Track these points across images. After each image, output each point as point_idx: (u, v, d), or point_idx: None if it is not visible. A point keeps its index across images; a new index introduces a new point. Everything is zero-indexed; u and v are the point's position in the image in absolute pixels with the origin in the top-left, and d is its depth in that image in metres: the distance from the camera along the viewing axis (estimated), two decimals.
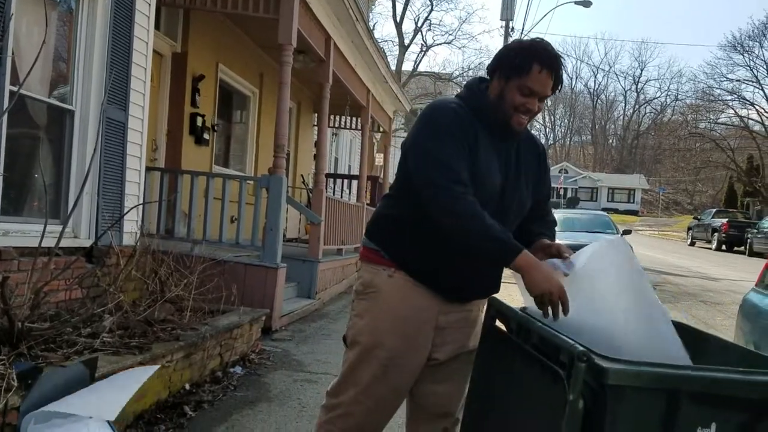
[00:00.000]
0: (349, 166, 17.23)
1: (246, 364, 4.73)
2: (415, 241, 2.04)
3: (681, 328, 2.11)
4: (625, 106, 77.92)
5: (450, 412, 2.18)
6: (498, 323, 1.98)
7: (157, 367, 3.14)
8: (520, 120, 2.00)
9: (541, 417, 1.59)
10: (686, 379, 1.43)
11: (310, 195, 10.77)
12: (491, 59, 2.10)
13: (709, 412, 1.45)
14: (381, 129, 12.99)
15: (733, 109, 41.74)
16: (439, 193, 1.91)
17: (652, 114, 74.32)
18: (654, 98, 76.41)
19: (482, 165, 1.99)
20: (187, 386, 3.86)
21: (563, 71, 2.01)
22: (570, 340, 1.49)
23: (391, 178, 24.98)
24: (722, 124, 43.70)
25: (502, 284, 2.20)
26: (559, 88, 2.02)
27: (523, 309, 1.89)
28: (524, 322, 1.74)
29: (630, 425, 1.43)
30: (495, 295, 2.11)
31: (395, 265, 2.07)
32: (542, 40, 2.05)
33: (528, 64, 1.94)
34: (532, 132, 2.28)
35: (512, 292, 2.04)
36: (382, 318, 2.07)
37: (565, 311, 1.79)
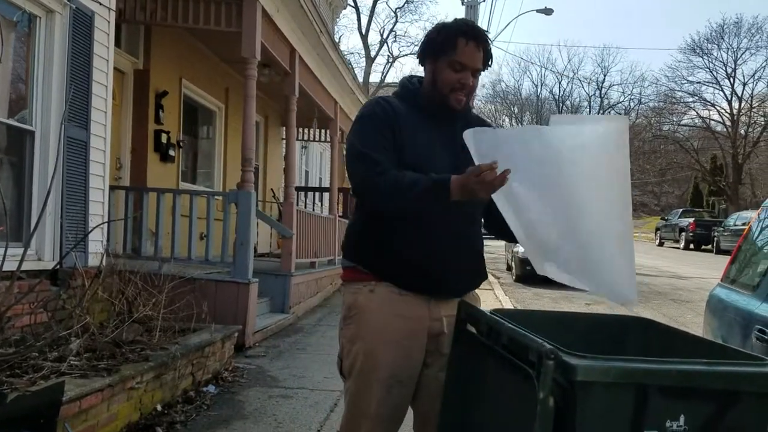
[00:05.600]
0: (320, 179, 17.19)
1: (219, 383, 4.65)
2: (385, 243, 2.02)
3: (651, 325, 2.14)
4: (590, 111, 79.06)
5: None
6: (469, 327, 1.97)
7: None
8: (458, 97, 1.99)
9: (515, 418, 1.59)
10: (653, 372, 1.44)
11: (281, 209, 10.72)
12: (419, 46, 2.09)
13: (677, 404, 1.46)
14: None
15: (695, 110, 42.72)
16: (367, 183, 1.91)
17: None
18: (618, 102, 77.73)
19: (422, 149, 1.99)
20: (159, 407, 3.78)
21: (490, 45, 2.01)
22: (538, 339, 1.49)
23: None
24: (685, 125, 44.70)
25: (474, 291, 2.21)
26: (490, 62, 2.00)
27: (493, 311, 1.89)
28: (493, 324, 1.74)
29: (600, 420, 1.43)
30: (485, 294, 2.10)
31: (374, 277, 2.03)
32: (466, 18, 2.06)
33: (452, 39, 1.96)
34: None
35: (486, 298, 2.04)
36: (373, 337, 2.00)
37: (495, 187, 1.69)
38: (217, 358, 4.77)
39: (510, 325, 1.65)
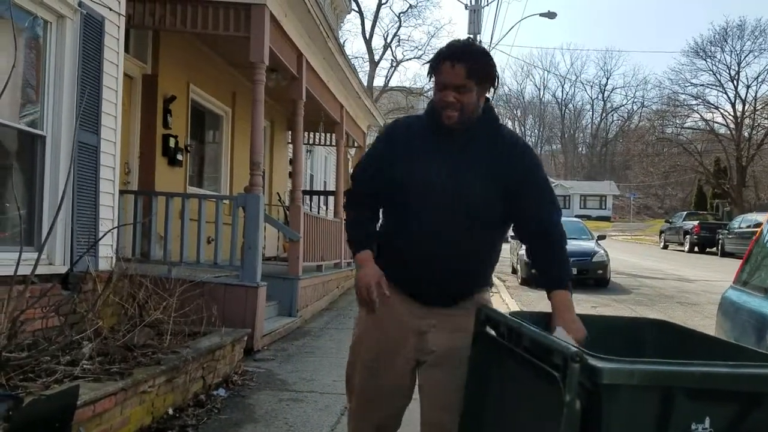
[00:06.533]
0: (325, 183, 17.20)
1: (229, 386, 4.65)
2: (385, 243, 2.27)
3: (667, 327, 2.14)
4: (592, 115, 79.24)
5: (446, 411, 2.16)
6: (488, 329, 1.98)
7: None
8: (447, 114, 2.12)
9: (538, 419, 1.59)
10: (679, 375, 1.44)
11: (287, 213, 10.71)
12: None
13: (702, 406, 1.46)
14: (356, 144, 13.01)
15: (698, 113, 42.65)
16: (346, 202, 2.40)
17: (619, 121, 75.65)
18: (621, 105, 77.80)
19: (418, 165, 2.17)
20: (171, 411, 3.78)
21: (473, 56, 2.11)
22: (563, 342, 1.49)
23: None
24: (689, 128, 44.60)
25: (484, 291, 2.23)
26: (472, 68, 2.07)
27: (512, 313, 1.90)
28: (515, 326, 1.74)
29: (626, 423, 1.44)
30: (491, 297, 2.11)
31: None
32: (457, 39, 2.25)
33: (437, 62, 2.13)
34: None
35: (504, 299, 2.04)
36: (363, 323, 2.30)
37: (372, 309, 2.13)
38: (227, 362, 4.78)
39: (532, 327, 1.65)
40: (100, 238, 4.38)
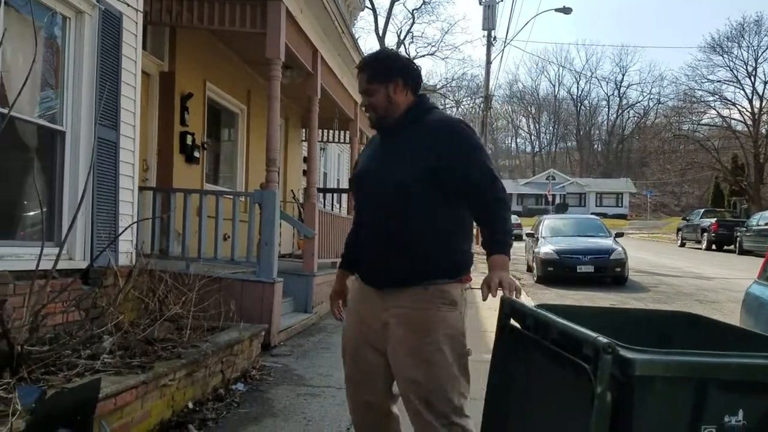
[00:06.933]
0: (338, 180, 17.20)
1: (248, 381, 4.66)
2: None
3: (698, 320, 2.10)
4: (608, 111, 78.69)
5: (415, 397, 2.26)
6: (512, 322, 1.96)
7: None
8: (368, 116, 2.46)
9: (566, 411, 1.57)
10: (714, 366, 1.41)
11: (302, 210, 10.72)
12: None
13: (736, 399, 1.44)
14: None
15: (715, 109, 42.23)
16: None
17: (635, 118, 75.07)
18: (636, 102, 77.15)
19: (361, 163, 2.53)
20: (191, 404, 3.79)
21: (371, 63, 2.43)
22: (593, 333, 1.47)
23: None
24: (705, 125, 44.17)
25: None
26: (370, 73, 2.39)
27: (538, 306, 1.87)
28: (542, 318, 1.72)
29: (658, 415, 1.41)
30: (507, 294, 2.07)
31: None
32: (372, 53, 2.58)
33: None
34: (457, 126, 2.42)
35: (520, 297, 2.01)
36: (347, 316, 2.58)
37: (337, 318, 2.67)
38: (246, 356, 4.79)
39: (560, 319, 1.63)
40: (120, 234, 4.41)
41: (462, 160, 2.28)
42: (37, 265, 3.30)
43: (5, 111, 3.57)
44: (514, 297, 2.07)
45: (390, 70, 2.38)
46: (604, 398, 1.39)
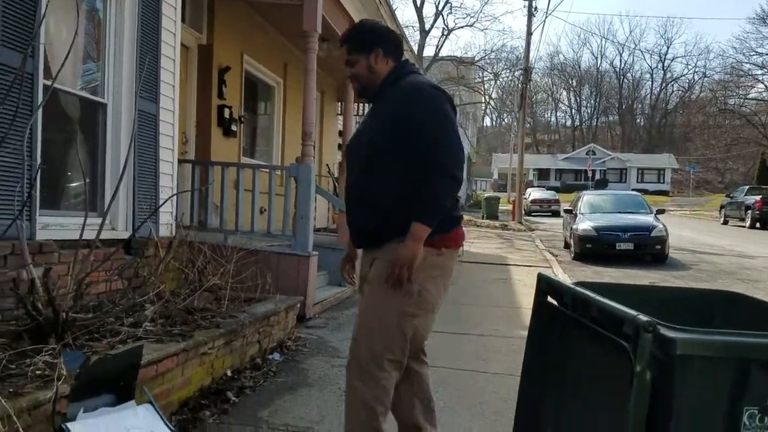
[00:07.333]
0: None
1: (284, 351, 4.75)
2: None
3: (738, 299, 2.05)
4: (652, 85, 76.55)
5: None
6: (549, 299, 1.93)
7: None
8: (353, 87, 2.65)
9: (604, 389, 1.55)
10: (758, 347, 1.38)
11: (336, 184, 10.76)
12: None
13: None
14: None
15: (763, 83, 40.83)
16: None
17: (679, 91, 72.86)
18: (681, 75, 74.84)
19: (354, 132, 2.75)
20: (229, 372, 3.88)
21: (349, 36, 2.57)
22: (633, 312, 1.44)
23: None
24: (753, 99, 42.70)
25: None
26: (350, 45, 2.54)
27: (576, 283, 1.85)
28: (580, 296, 1.69)
29: (699, 396, 1.38)
30: (543, 272, 2.06)
31: None
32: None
33: None
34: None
35: (557, 273, 1.98)
36: None
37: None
38: (281, 327, 4.86)
39: (600, 297, 1.60)
40: (161, 205, 4.49)
41: (416, 122, 2.33)
42: (81, 235, 3.39)
43: (49, 83, 3.65)
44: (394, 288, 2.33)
45: (370, 41, 2.52)
46: (644, 377, 1.36)
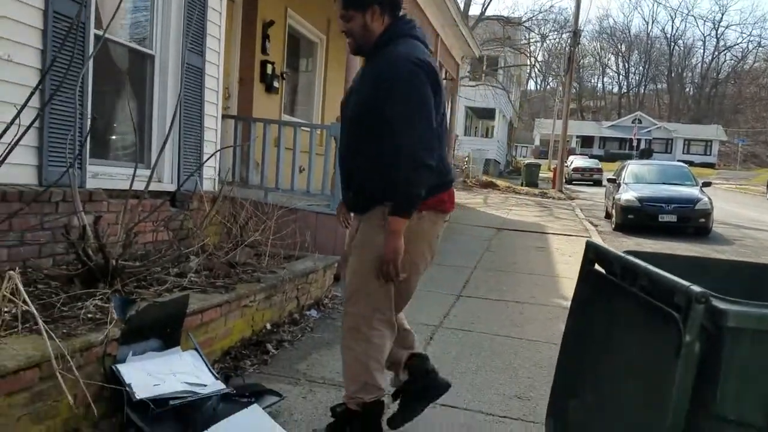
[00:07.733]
0: None
1: (320, 308, 4.83)
2: None
3: None
4: (703, 53, 73.82)
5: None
6: (597, 267, 1.92)
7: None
8: (348, 43, 2.51)
9: (648, 359, 1.54)
10: None
11: None
12: None
13: None
14: (448, 76, 12.73)
15: None
16: None
17: (732, 61, 70.04)
18: (735, 44, 71.92)
19: (348, 89, 2.65)
20: (268, 326, 3.98)
21: None
22: (686, 282, 1.42)
23: (457, 127, 24.08)
24: None
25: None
26: (350, 2, 2.39)
27: (626, 252, 1.82)
28: (630, 265, 1.67)
29: (747, 369, 1.37)
30: (592, 240, 2.04)
31: None
32: None
33: None
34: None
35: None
36: None
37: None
38: (319, 285, 4.94)
39: (650, 267, 1.58)
40: (207, 159, 4.56)
41: (388, 106, 2.28)
42: (131, 185, 3.47)
43: (100, 33, 3.69)
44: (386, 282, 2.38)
45: None
46: (693, 348, 1.35)
